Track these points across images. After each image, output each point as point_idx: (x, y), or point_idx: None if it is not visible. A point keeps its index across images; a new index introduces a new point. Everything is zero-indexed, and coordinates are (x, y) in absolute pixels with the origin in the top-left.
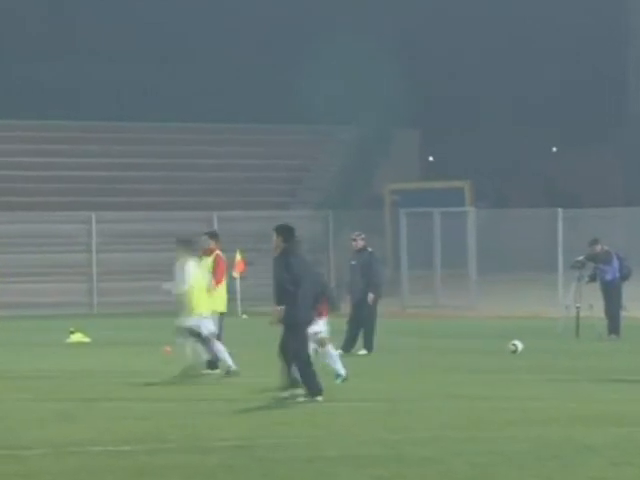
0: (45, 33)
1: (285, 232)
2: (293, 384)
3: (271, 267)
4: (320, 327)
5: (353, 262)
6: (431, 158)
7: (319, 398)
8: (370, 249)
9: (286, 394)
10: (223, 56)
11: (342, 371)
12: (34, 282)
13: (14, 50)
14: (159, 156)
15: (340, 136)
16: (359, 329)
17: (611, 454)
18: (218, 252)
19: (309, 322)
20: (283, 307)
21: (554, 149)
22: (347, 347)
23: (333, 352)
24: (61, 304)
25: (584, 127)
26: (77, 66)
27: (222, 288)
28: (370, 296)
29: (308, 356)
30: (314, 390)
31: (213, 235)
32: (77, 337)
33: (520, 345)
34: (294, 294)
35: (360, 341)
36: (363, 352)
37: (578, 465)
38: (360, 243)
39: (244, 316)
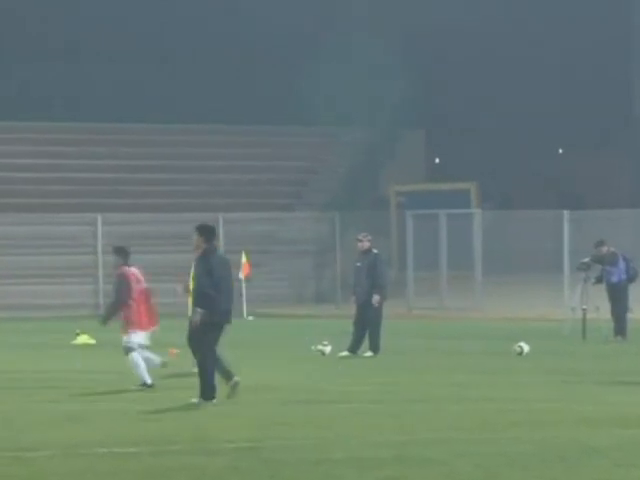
0: (51, 34)
1: (206, 232)
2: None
3: (277, 269)
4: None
5: (358, 263)
6: (437, 160)
7: (213, 401)
8: (376, 250)
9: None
10: (230, 57)
11: (148, 380)
12: (40, 284)
13: (20, 51)
14: (165, 158)
15: (346, 138)
16: (365, 330)
17: (616, 456)
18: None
19: (226, 323)
20: (202, 310)
21: (560, 151)
22: (354, 349)
23: (140, 361)
24: (67, 306)
25: (590, 129)
26: (84, 68)
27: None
28: (375, 297)
29: (213, 358)
30: (209, 393)
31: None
32: (83, 339)
33: (526, 347)
34: (213, 296)
35: (365, 343)
36: (369, 354)
37: (583, 467)
38: (366, 244)
39: (250, 318)
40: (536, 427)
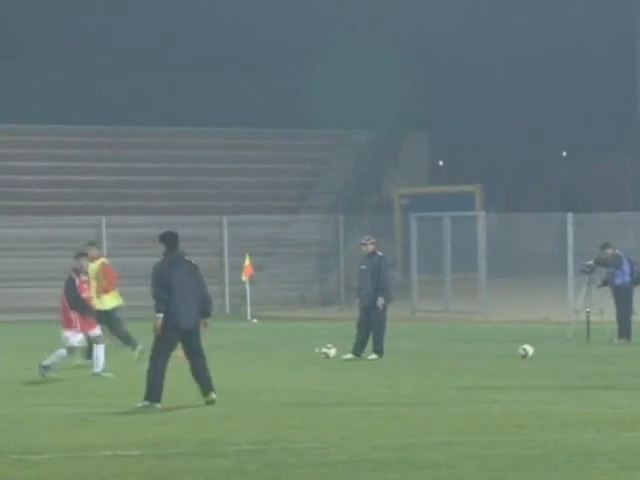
0: (56, 36)
1: (168, 240)
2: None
3: (281, 271)
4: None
5: (363, 266)
6: (441, 162)
7: (158, 405)
8: (380, 253)
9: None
10: (234, 60)
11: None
12: (44, 287)
13: (24, 54)
14: (170, 160)
15: (350, 140)
16: (369, 333)
17: (621, 458)
18: (104, 260)
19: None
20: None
21: (564, 153)
22: (357, 351)
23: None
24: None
25: (594, 131)
26: (90, 70)
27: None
28: (380, 300)
29: (163, 362)
30: (154, 395)
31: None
32: None
33: (530, 350)
34: (167, 301)
35: (369, 345)
36: (373, 357)
37: (588, 469)
38: (370, 247)
39: (254, 320)
40: (541, 430)
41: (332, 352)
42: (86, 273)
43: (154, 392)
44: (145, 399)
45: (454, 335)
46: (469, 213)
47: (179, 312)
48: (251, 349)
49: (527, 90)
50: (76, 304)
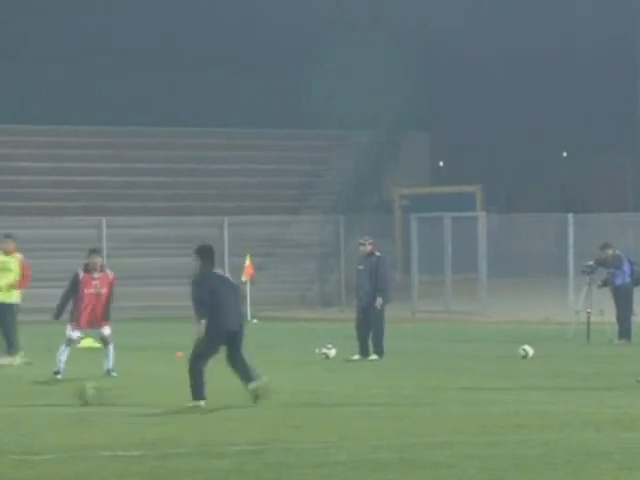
0: (58, 37)
1: (205, 253)
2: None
3: (281, 272)
4: None
5: (361, 267)
6: (441, 163)
7: (202, 403)
8: (378, 254)
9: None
10: (235, 61)
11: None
12: (45, 287)
13: (24, 54)
14: (170, 161)
15: (351, 141)
16: (368, 333)
17: (621, 459)
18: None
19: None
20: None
21: (565, 154)
22: (364, 353)
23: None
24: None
25: (595, 131)
26: (88, 70)
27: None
28: (378, 300)
29: (204, 364)
30: (199, 394)
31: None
32: (88, 342)
33: (530, 350)
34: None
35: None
36: (374, 357)
37: (588, 470)
38: (368, 247)
39: (254, 321)
40: (541, 430)
41: (332, 352)
42: (96, 270)
43: (199, 391)
44: (193, 399)
45: (454, 335)
46: (470, 214)
47: (225, 316)
48: (251, 349)
49: (527, 90)
50: (63, 296)
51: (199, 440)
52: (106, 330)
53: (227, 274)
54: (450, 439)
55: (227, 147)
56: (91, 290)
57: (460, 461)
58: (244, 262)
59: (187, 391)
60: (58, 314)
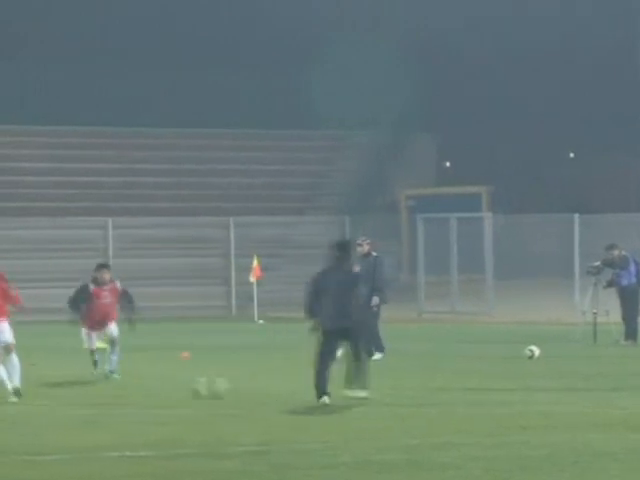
0: (58, 37)
1: (342, 249)
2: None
3: (287, 273)
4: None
5: (358, 267)
6: (448, 163)
7: (326, 399)
8: (375, 254)
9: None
10: (240, 61)
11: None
12: (50, 287)
13: (24, 54)
14: (175, 162)
15: (356, 141)
16: (371, 333)
17: (628, 459)
18: None
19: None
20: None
21: (571, 155)
22: (380, 349)
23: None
24: None
25: (601, 132)
26: (94, 71)
27: None
28: (374, 299)
29: (326, 363)
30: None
31: None
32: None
33: (537, 351)
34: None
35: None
36: (378, 356)
37: (595, 471)
38: (366, 248)
39: (260, 321)
40: (547, 431)
41: (338, 353)
42: (105, 283)
43: (322, 389)
44: (318, 398)
45: (460, 336)
46: (475, 214)
47: (332, 314)
48: (257, 350)
49: (534, 91)
50: (71, 303)
51: (204, 440)
52: (114, 329)
53: (354, 268)
54: (455, 440)
55: (232, 148)
56: (102, 301)
57: (466, 462)
58: (250, 263)
59: (189, 391)
60: (73, 320)
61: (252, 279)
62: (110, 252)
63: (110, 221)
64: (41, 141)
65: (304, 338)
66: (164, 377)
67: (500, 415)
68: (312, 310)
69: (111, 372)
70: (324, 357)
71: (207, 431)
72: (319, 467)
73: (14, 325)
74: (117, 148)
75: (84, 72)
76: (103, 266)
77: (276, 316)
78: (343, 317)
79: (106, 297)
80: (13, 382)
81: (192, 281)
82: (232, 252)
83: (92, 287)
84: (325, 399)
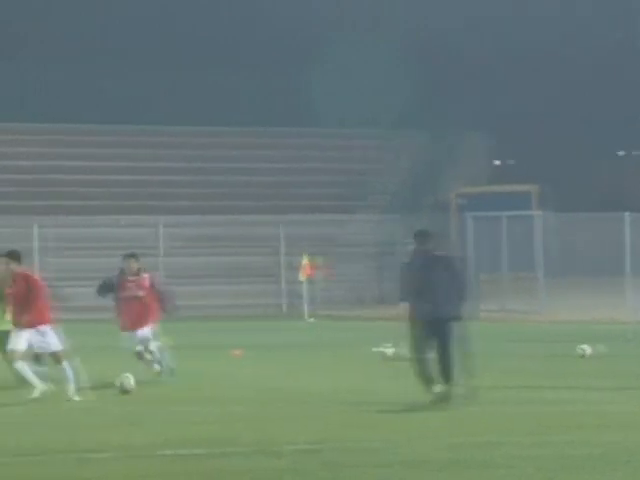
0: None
1: (422, 237)
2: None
3: (338, 271)
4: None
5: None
6: (497, 162)
7: (436, 388)
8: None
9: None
10: (296, 59)
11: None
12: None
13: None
14: (229, 160)
15: (408, 140)
16: None
17: None
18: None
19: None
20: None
21: (621, 152)
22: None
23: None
24: None
25: None
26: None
27: None
28: None
29: (424, 353)
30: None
31: None
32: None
33: (589, 349)
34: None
35: None
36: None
37: None
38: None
39: (311, 319)
40: (600, 430)
41: (390, 351)
42: (133, 274)
43: (428, 379)
44: (427, 389)
45: (511, 335)
46: (526, 212)
47: (430, 302)
48: (308, 348)
49: (585, 89)
50: (100, 289)
51: (256, 439)
52: (143, 333)
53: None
54: (506, 439)
55: (285, 146)
56: (125, 293)
57: (516, 461)
58: (301, 261)
59: (243, 390)
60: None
61: (302, 277)
62: (161, 251)
63: (161, 219)
64: (101, 140)
65: (354, 336)
66: (216, 375)
67: (551, 414)
68: (408, 300)
69: (161, 373)
70: (420, 348)
71: (259, 429)
72: (370, 465)
73: (61, 323)
74: (172, 147)
75: (127, 72)
76: (130, 256)
77: (327, 314)
78: (441, 307)
79: (132, 289)
80: (73, 386)
81: (242, 279)
82: (282, 250)
83: (118, 278)
84: (436, 388)
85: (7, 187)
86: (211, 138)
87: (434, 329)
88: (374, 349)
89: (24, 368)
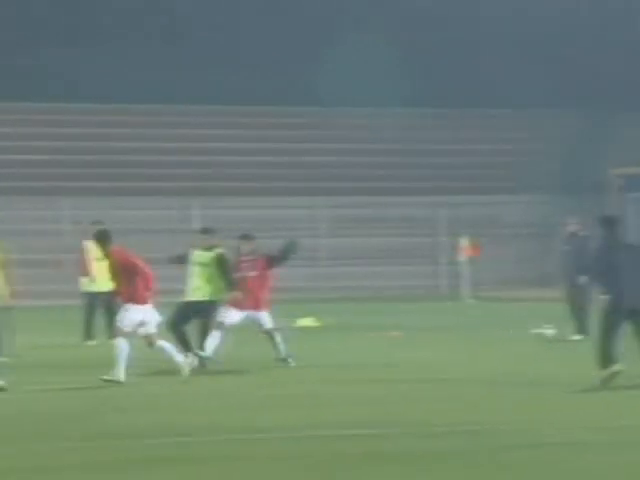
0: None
1: (607, 223)
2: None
3: (500, 251)
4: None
5: (566, 247)
6: None
7: (616, 367)
8: (583, 233)
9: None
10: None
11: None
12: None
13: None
14: (393, 141)
15: (565, 120)
16: (579, 312)
17: None
18: None
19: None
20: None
21: None
22: (583, 331)
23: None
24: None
25: None
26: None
27: None
28: (582, 278)
29: (610, 338)
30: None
31: None
32: (306, 321)
33: None
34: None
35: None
36: (577, 337)
37: None
38: (573, 227)
39: (471, 300)
40: None
41: (550, 332)
42: (246, 254)
43: (609, 358)
44: (604, 369)
45: None
46: None
47: (624, 291)
48: (467, 330)
49: None
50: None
51: (413, 420)
52: (264, 320)
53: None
54: None
55: (446, 127)
56: (239, 274)
57: None
58: (460, 242)
59: (403, 371)
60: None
61: (462, 258)
62: (320, 232)
63: (319, 200)
64: (242, 121)
65: (514, 317)
66: (375, 356)
67: None
68: (603, 285)
69: (283, 360)
70: (608, 332)
71: (416, 410)
72: (527, 447)
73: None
74: (322, 128)
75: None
76: (244, 237)
77: (486, 295)
78: (633, 298)
79: (246, 269)
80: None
81: (400, 260)
82: (442, 231)
83: (233, 259)
84: (616, 367)
85: (163, 169)
86: (377, 120)
87: (629, 316)
88: (532, 330)
89: (168, 348)
